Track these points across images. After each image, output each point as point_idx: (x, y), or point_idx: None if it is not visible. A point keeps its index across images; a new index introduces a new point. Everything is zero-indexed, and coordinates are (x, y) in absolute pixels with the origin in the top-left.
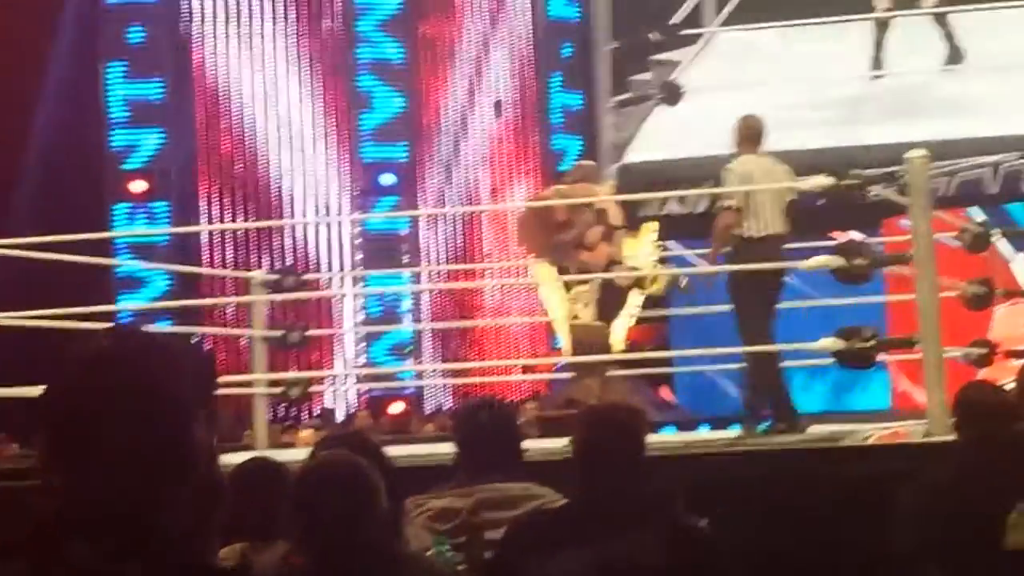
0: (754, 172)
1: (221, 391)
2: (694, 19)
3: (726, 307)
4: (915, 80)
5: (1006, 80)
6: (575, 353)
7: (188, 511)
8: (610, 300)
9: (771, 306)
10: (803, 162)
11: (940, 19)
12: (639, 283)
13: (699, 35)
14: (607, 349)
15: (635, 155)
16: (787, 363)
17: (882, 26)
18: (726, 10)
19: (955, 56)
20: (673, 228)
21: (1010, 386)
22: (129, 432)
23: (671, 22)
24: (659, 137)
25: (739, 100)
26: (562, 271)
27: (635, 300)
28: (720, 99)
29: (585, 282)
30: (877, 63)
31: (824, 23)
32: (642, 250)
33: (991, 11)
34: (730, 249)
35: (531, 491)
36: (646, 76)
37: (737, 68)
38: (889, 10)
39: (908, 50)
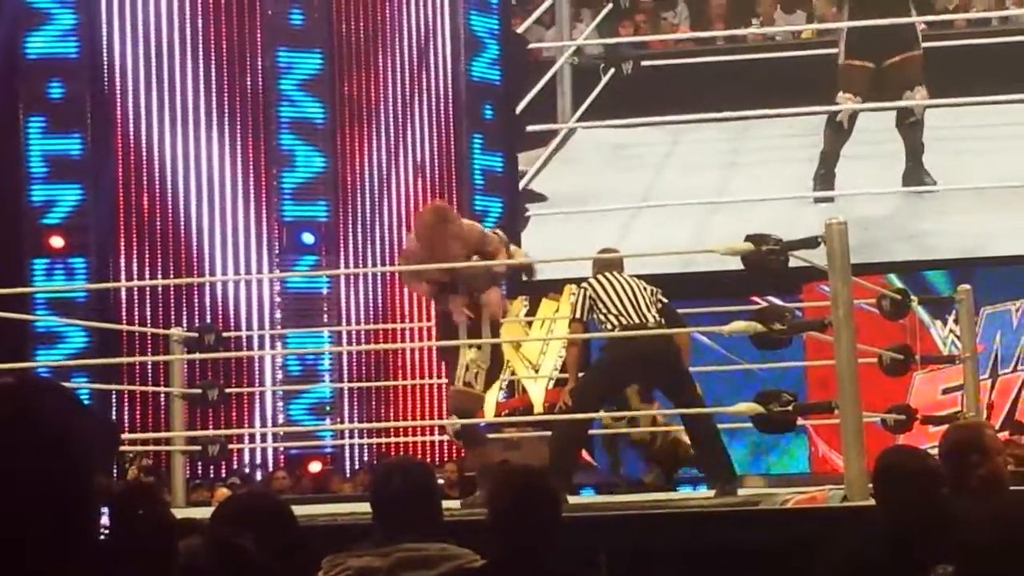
0: (605, 284)
1: (140, 448)
2: (544, 111)
3: None
4: (875, 208)
5: (988, 207)
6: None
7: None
8: (493, 368)
9: (617, 385)
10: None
11: (911, 128)
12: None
13: (553, 132)
14: (478, 414)
15: None
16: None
17: (840, 131)
18: (589, 98)
19: (915, 176)
20: None
21: (933, 451)
22: (25, 473)
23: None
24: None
25: (607, 228)
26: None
27: (552, 362)
28: (580, 227)
29: (478, 348)
30: (825, 180)
31: (733, 119)
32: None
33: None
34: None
35: (449, 551)
36: None
37: (605, 178)
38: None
39: (865, 164)
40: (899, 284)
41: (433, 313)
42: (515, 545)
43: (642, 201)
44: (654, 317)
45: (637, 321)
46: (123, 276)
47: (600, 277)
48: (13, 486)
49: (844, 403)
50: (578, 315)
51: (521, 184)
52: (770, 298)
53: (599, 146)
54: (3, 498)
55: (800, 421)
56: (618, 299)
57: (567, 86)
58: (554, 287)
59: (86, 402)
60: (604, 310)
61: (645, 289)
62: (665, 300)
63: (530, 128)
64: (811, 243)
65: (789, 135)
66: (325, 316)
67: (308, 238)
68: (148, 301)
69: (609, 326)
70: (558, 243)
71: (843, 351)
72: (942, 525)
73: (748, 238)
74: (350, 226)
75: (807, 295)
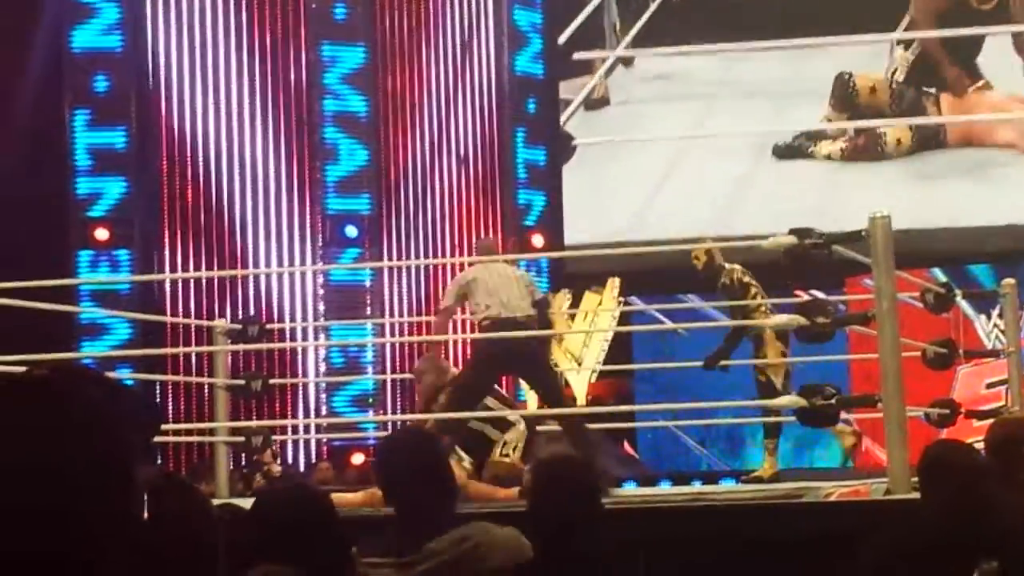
0: (480, 273)
1: (183, 439)
2: (590, 37)
3: (690, 364)
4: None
5: None
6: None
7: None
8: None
9: (490, 382)
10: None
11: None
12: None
13: (599, 60)
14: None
15: None
16: (750, 420)
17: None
18: (638, 24)
19: None
20: (635, 283)
21: (978, 446)
22: (61, 463)
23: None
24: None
25: (654, 164)
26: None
27: (595, 355)
28: (627, 162)
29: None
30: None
31: (790, 47)
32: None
33: None
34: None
35: (465, 540)
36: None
37: (653, 108)
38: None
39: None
40: (943, 278)
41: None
42: (553, 534)
43: (697, 125)
44: (527, 308)
45: (509, 312)
46: (167, 268)
47: (479, 266)
48: (53, 472)
49: (887, 397)
50: (446, 303)
51: (562, 116)
52: (813, 292)
53: (647, 75)
54: (44, 485)
55: (843, 415)
56: (494, 286)
57: (614, 12)
58: (597, 280)
59: (128, 389)
60: (479, 296)
61: (520, 279)
62: (539, 291)
63: (576, 56)
64: (855, 236)
65: (853, 63)
66: (368, 308)
67: (351, 231)
68: (192, 293)
69: (481, 314)
70: (603, 181)
71: (886, 345)
72: (987, 520)
73: (792, 231)
74: (393, 219)
75: (850, 289)
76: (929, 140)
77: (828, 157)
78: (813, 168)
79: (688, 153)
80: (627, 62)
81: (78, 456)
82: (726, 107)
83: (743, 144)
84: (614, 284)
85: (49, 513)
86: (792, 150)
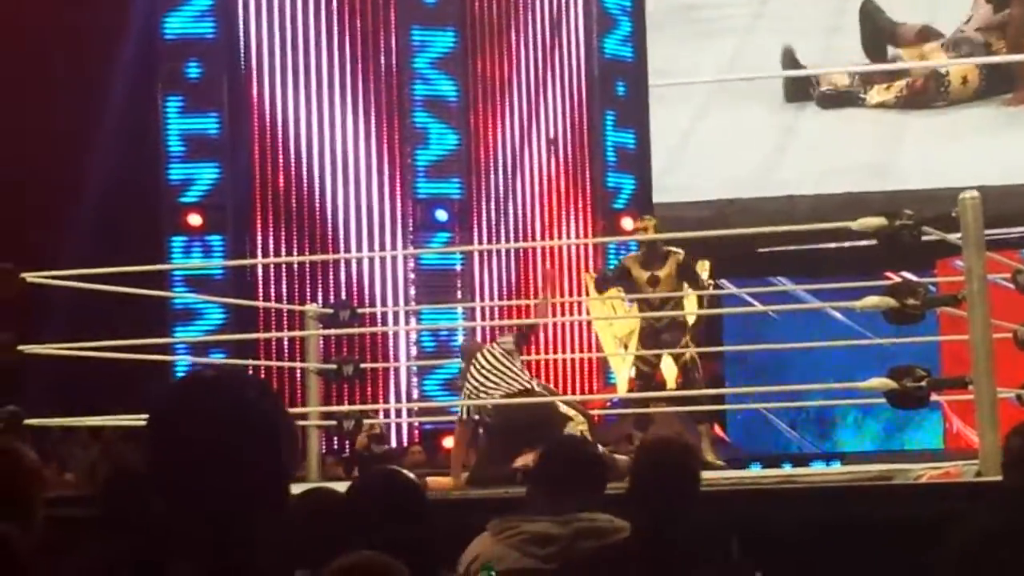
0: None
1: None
2: None
3: (780, 346)
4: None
5: None
6: None
7: (277, 540)
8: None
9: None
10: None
11: None
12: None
13: None
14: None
15: None
16: (840, 402)
17: None
18: None
19: None
20: (723, 266)
21: None
22: (236, 456)
23: None
24: None
25: (681, 107)
26: None
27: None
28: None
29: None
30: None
31: None
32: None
33: None
34: None
35: (616, 523)
36: None
37: (681, 45)
38: None
39: None
40: None
41: None
42: (653, 516)
43: (723, 73)
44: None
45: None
46: (259, 253)
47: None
48: (230, 470)
49: (978, 378)
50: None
51: None
52: (904, 273)
53: (671, 8)
54: (217, 482)
55: (934, 397)
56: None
57: None
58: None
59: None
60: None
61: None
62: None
63: None
64: (945, 218)
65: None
66: (459, 292)
67: (441, 215)
68: (284, 278)
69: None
70: None
71: (977, 326)
72: None
73: (882, 213)
74: (483, 203)
75: (941, 270)
76: (1000, 81)
77: (882, 104)
78: (864, 117)
79: (718, 99)
80: None
81: (254, 456)
82: (762, 46)
83: (782, 89)
84: (704, 267)
85: (221, 510)
86: (839, 97)
